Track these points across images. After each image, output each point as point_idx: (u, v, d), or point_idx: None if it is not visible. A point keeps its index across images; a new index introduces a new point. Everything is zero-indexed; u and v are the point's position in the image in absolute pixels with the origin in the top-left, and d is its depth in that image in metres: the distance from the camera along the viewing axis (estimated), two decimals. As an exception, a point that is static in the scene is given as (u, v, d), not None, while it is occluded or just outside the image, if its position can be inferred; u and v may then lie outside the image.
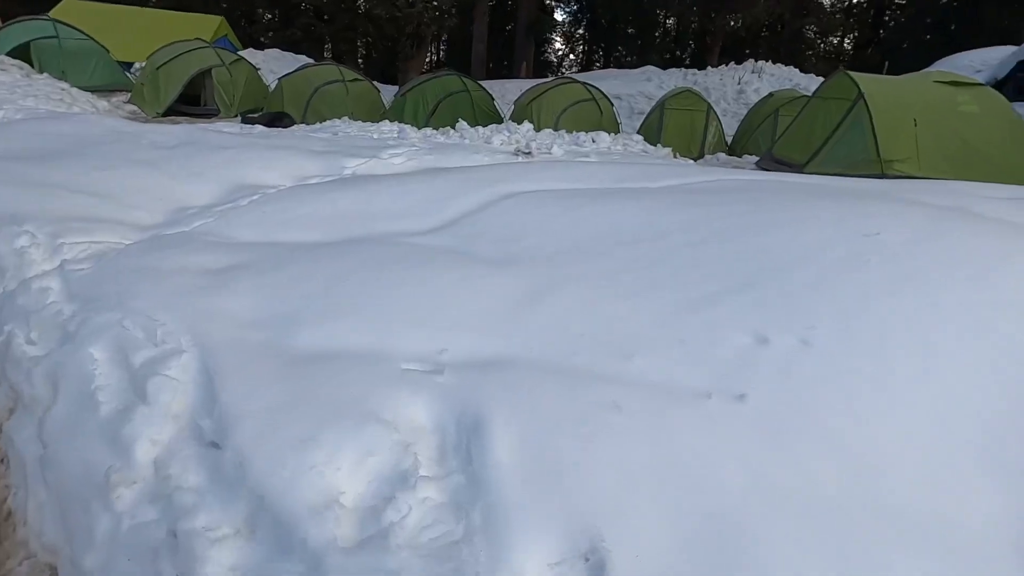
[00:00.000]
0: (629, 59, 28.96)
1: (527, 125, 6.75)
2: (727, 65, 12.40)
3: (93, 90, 9.73)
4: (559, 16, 28.99)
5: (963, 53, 11.63)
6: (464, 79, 9.35)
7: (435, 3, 10.66)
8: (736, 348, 1.85)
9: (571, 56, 32.73)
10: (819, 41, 26.06)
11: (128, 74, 11.22)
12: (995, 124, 5.43)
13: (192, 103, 10.24)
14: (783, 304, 2.04)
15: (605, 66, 27.39)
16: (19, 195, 2.96)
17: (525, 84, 12.97)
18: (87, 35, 10.45)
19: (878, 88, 5.49)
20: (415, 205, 3.48)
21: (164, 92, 9.58)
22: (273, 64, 13.10)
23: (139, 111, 9.63)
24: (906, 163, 5.29)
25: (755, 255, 2.39)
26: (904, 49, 22.72)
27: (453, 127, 7.64)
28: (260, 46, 17.16)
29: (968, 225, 2.48)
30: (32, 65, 9.63)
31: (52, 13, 12.23)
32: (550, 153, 5.45)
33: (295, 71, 9.80)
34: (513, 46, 20.18)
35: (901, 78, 5.99)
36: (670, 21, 27.37)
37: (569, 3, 28.69)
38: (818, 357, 1.77)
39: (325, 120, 8.85)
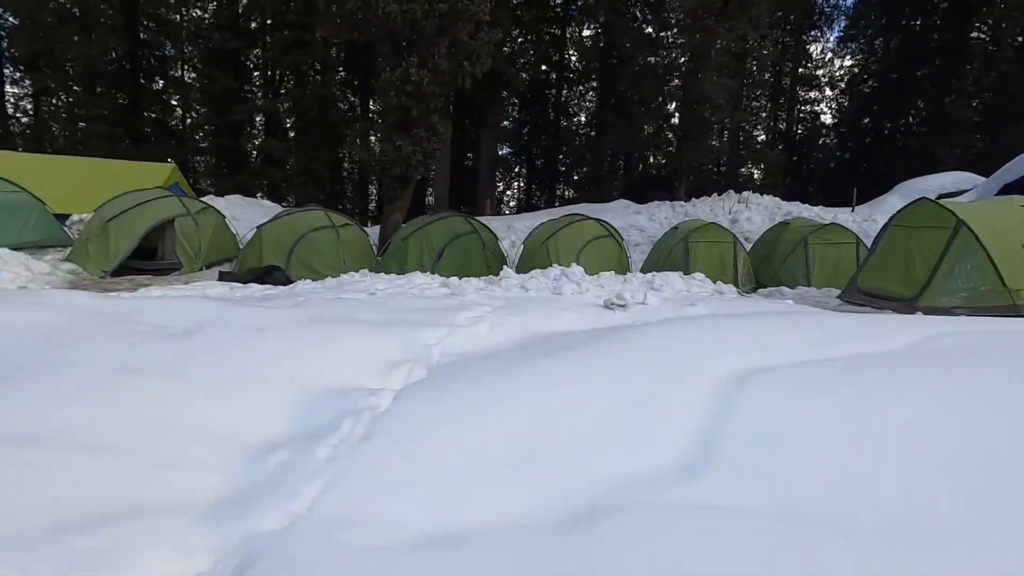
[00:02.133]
0: (569, 195, 30.50)
1: (577, 269, 5.89)
2: (710, 196, 12.67)
3: (25, 247, 8.17)
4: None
5: (921, 178, 12.48)
6: (470, 220, 8.62)
7: (422, 146, 10.23)
8: None
9: (508, 192, 34.24)
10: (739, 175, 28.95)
11: (64, 227, 9.69)
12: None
13: (147, 257, 8.81)
14: None
15: (549, 203, 28.48)
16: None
17: (513, 221, 12.57)
18: (20, 187, 9.03)
19: (975, 214, 5.12)
20: (608, 418, 2.28)
21: (115, 247, 8.14)
22: (236, 211, 11.99)
23: (80, 270, 8.06)
24: (1031, 291, 4.77)
25: None
26: (818, 180, 25.85)
27: (460, 274, 6.68)
28: (201, 193, 16.17)
29: None
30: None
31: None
32: (645, 304, 4.52)
33: (275, 218, 8.73)
34: (474, 184, 20.46)
35: (986, 203, 5.75)
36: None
37: (505, 143, 30.45)
38: None
39: (316, 272, 7.66)
